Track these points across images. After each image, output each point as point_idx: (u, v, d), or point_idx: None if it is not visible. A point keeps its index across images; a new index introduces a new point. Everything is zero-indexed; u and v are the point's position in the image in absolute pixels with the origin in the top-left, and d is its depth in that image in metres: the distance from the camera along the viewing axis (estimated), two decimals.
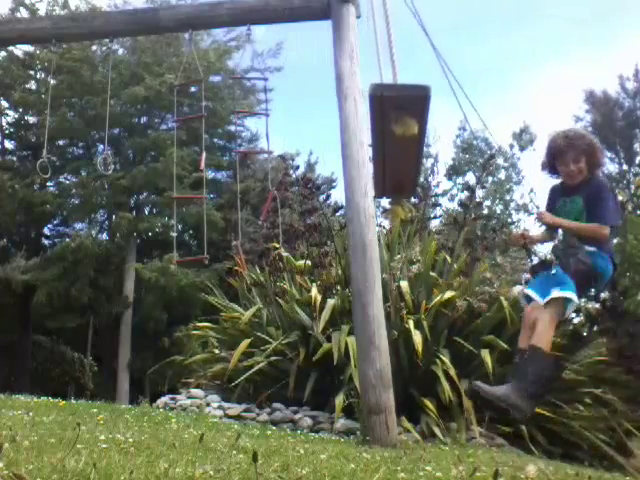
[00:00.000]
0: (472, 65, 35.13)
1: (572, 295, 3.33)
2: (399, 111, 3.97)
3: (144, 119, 20.06)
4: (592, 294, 4.00)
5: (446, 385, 5.56)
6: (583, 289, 3.64)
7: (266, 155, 11.88)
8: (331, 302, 6.39)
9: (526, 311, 3.63)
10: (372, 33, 4.47)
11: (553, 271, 3.44)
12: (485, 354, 5.84)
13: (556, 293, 3.33)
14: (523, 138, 23.21)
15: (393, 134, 4.03)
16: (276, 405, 6.11)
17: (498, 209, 21.21)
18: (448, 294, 6.37)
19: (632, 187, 20.40)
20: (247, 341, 6.51)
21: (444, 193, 21.19)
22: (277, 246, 7.68)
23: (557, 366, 3.43)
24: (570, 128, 3.65)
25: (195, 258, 11.45)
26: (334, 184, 21.60)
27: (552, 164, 3.64)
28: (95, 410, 4.91)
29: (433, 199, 17.18)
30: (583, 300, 5.73)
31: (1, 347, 18.59)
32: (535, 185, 29.93)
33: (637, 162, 24.26)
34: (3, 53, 18.50)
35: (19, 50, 18.56)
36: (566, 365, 3.47)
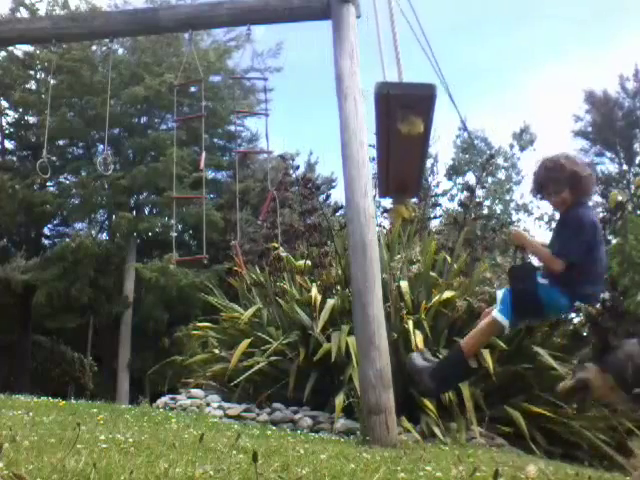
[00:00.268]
0: (472, 65, 35.17)
1: (501, 319, 3.32)
2: (405, 110, 3.96)
3: (144, 119, 20.05)
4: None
5: None
6: (525, 316, 3.62)
7: (266, 155, 11.87)
8: (331, 302, 6.39)
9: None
10: (374, 32, 4.46)
11: (502, 289, 3.49)
12: (485, 354, 5.84)
13: (493, 312, 3.37)
14: (523, 138, 23.19)
15: (399, 133, 4.02)
16: (276, 405, 6.11)
17: (498, 209, 21.20)
18: (448, 294, 6.37)
19: (632, 187, 20.38)
20: (247, 341, 6.51)
21: (444, 193, 21.17)
22: (277, 246, 7.68)
23: (466, 372, 3.47)
24: (552, 157, 3.49)
25: (194, 258, 11.45)
26: (334, 184, 21.59)
27: (540, 191, 3.62)
28: (95, 410, 4.91)
29: (433, 199, 17.19)
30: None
31: (1, 347, 18.58)
32: None
33: (637, 162, 24.25)
34: (3, 53, 18.48)
35: (19, 50, 18.57)
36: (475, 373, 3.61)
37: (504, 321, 3.31)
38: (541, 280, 3.36)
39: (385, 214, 11.28)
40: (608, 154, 24.77)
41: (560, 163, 3.43)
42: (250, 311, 7.02)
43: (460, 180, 22.00)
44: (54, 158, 18.20)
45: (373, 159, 6.69)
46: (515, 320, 3.43)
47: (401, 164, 4.51)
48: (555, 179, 3.38)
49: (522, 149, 23.09)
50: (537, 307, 3.39)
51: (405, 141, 4.12)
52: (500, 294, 3.48)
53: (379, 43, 4.21)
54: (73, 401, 6.58)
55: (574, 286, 3.36)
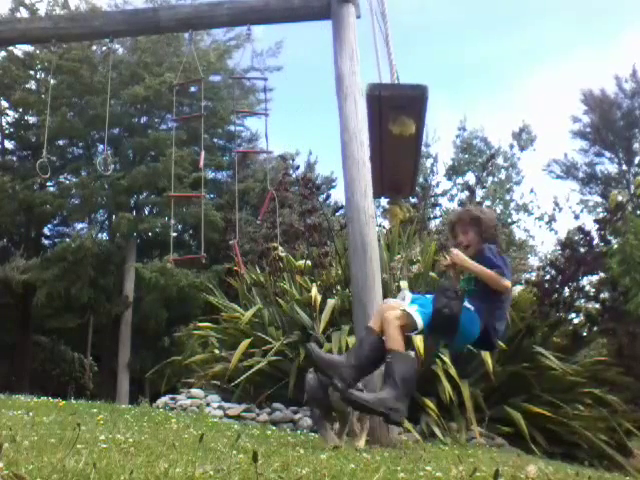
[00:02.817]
0: (472, 64, 35.18)
1: (418, 321, 3.36)
2: (396, 111, 3.96)
3: (144, 119, 20.02)
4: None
5: (447, 384, 5.56)
6: (435, 334, 3.74)
7: (266, 155, 11.88)
8: (331, 302, 6.39)
9: (388, 302, 3.65)
10: (371, 32, 4.47)
11: (428, 295, 3.58)
12: (485, 354, 5.84)
13: (412, 309, 3.39)
14: (523, 138, 23.18)
15: (391, 134, 4.03)
16: (276, 405, 6.11)
17: (498, 209, 21.19)
18: None
19: (632, 187, 20.39)
20: (247, 341, 6.51)
21: (444, 193, 21.15)
22: (277, 246, 7.69)
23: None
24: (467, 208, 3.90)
25: (192, 257, 11.43)
26: (334, 184, 21.59)
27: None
28: (95, 410, 4.91)
29: (433, 199, 17.21)
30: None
31: (1, 347, 18.58)
32: (535, 185, 30.00)
33: (636, 162, 24.25)
34: (3, 53, 18.46)
35: (19, 50, 18.54)
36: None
37: (419, 324, 3.36)
38: (468, 305, 3.42)
39: (384, 214, 11.29)
40: (607, 154, 24.77)
41: (467, 208, 3.90)
42: (251, 311, 7.02)
43: (460, 180, 21.99)
44: (54, 158, 18.17)
45: None
46: (426, 332, 3.49)
47: (394, 165, 4.52)
48: (462, 220, 3.73)
49: (522, 149, 23.09)
50: (452, 330, 3.43)
51: (397, 142, 4.13)
52: (416, 296, 3.57)
53: (375, 43, 4.22)
54: (73, 401, 6.57)
55: (493, 319, 3.47)
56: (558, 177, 25.22)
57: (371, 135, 4.41)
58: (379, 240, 6.11)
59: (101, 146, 19.58)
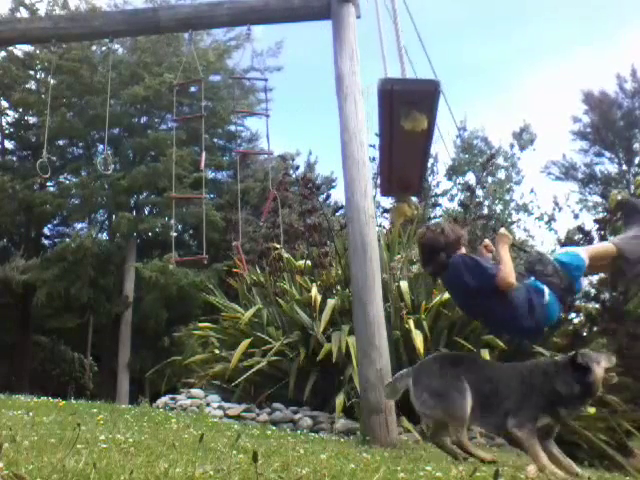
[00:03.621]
0: (472, 64, 35.18)
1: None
2: (408, 106, 3.94)
3: (144, 119, 20.02)
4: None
5: None
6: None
7: (266, 155, 11.88)
8: (331, 302, 6.39)
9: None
10: (375, 30, 4.45)
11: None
12: (485, 354, 5.85)
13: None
14: (523, 137, 23.14)
15: (402, 129, 4.00)
16: (276, 405, 6.11)
17: (498, 209, 21.15)
18: (448, 294, 6.36)
19: (632, 187, 20.38)
20: (247, 341, 6.51)
21: (444, 193, 21.11)
22: (277, 246, 7.69)
23: None
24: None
25: (194, 258, 11.44)
26: (334, 184, 21.58)
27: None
28: (95, 410, 4.91)
29: (433, 199, 17.21)
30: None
31: (1, 347, 18.58)
32: (535, 185, 29.97)
33: (636, 162, 24.23)
34: (3, 53, 18.47)
35: (19, 50, 18.56)
36: None
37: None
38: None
39: (385, 214, 11.29)
40: (607, 154, 24.75)
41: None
42: (251, 311, 7.02)
43: (460, 180, 21.95)
44: (54, 158, 18.16)
45: (373, 159, 6.69)
46: None
47: (404, 161, 4.50)
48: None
49: (522, 149, 23.06)
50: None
51: (408, 138, 4.11)
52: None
53: (380, 40, 4.20)
54: (73, 401, 6.57)
55: None
56: (557, 178, 25.20)
57: (381, 131, 4.38)
58: (379, 240, 6.11)
59: (101, 146, 19.59)
